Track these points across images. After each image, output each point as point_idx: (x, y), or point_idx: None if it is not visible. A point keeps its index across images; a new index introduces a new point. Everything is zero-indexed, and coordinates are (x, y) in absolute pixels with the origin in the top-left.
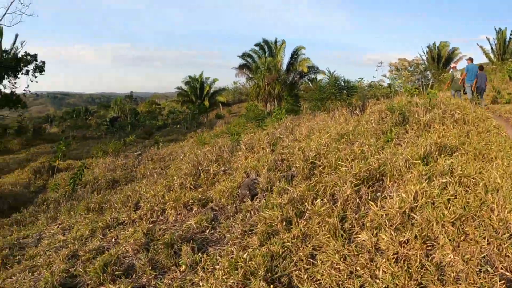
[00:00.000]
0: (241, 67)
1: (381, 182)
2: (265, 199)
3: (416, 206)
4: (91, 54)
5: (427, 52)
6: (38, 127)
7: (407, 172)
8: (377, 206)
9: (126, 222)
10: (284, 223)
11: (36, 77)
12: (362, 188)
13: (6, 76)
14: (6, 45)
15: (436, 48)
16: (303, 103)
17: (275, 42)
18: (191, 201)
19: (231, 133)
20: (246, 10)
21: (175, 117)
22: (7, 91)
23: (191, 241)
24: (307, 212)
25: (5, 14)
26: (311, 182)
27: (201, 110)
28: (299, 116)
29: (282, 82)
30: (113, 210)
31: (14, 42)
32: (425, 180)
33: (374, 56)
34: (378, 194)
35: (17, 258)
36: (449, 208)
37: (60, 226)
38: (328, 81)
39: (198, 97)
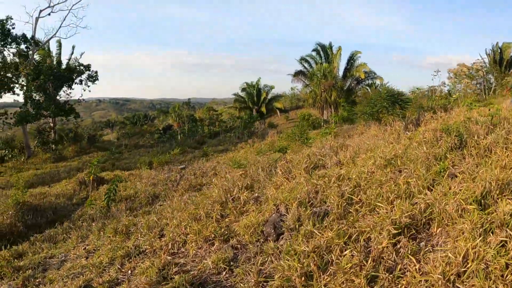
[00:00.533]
0: (297, 73)
1: (426, 228)
2: (289, 242)
3: (465, 272)
4: (153, 61)
5: (488, 54)
6: (93, 135)
7: (459, 219)
8: (418, 262)
9: (147, 251)
10: (303, 277)
11: (89, 86)
12: (402, 239)
13: (62, 87)
14: (64, 56)
15: (499, 50)
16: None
17: (331, 47)
18: (213, 235)
19: (274, 149)
20: (304, 16)
21: (228, 125)
22: (63, 100)
23: (203, 286)
24: (332, 266)
25: (60, 27)
26: (344, 224)
27: (253, 119)
28: (353, 126)
29: (338, 89)
30: (139, 235)
31: (72, 53)
32: (480, 235)
33: (435, 59)
34: (422, 244)
35: (37, 280)
36: (506, 276)
37: (86, 248)
38: (380, 94)
39: (255, 104)
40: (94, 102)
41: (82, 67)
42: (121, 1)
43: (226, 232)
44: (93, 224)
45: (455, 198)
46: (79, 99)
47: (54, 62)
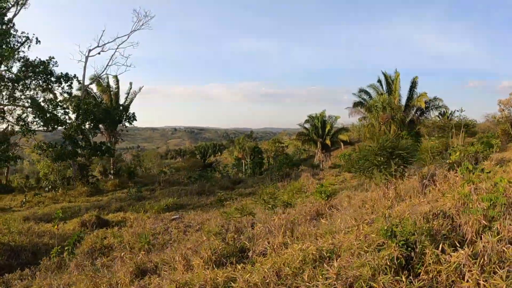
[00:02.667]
0: (355, 105)
1: None
2: None
3: None
4: (227, 91)
5: None
6: (132, 170)
7: None
8: None
9: None
10: None
11: (126, 126)
12: None
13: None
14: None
15: None
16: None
17: (395, 76)
18: None
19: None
20: (376, 44)
21: (293, 158)
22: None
23: None
24: None
25: (107, 66)
26: None
27: (289, 159)
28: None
29: (398, 121)
30: None
31: (130, 89)
32: None
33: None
34: None
35: None
36: None
37: None
38: (371, 147)
39: (319, 136)
40: (170, 130)
41: (122, 109)
42: (197, 38)
43: None
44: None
45: None
46: (119, 137)
47: (101, 98)
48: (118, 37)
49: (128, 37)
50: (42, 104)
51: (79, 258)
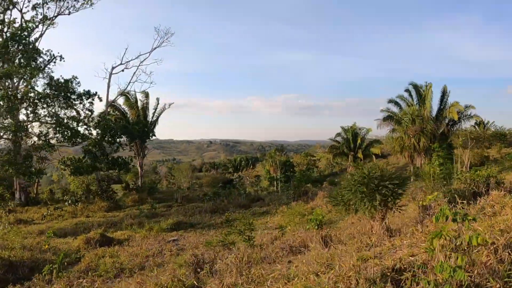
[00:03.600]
0: (385, 118)
1: None
2: None
3: None
4: (263, 104)
5: None
6: (152, 186)
7: None
8: None
9: None
10: None
11: (152, 139)
12: None
13: (116, 142)
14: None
15: None
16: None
17: (426, 87)
18: None
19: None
20: (419, 51)
21: (325, 172)
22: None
23: None
24: None
25: (129, 83)
26: None
27: (305, 177)
28: None
29: (428, 133)
30: None
31: (157, 104)
32: None
33: None
34: None
35: None
36: None
37: None
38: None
39: (351, 149)
40: (205, 143)
41: (142, 125)
42: (234, 51)
43: None
44: None
45: None
46: (134, 155)
47: (128, 114)
48: (140, 54)
49: (150, 54)
50: (65, 121)
51: (72, 277)
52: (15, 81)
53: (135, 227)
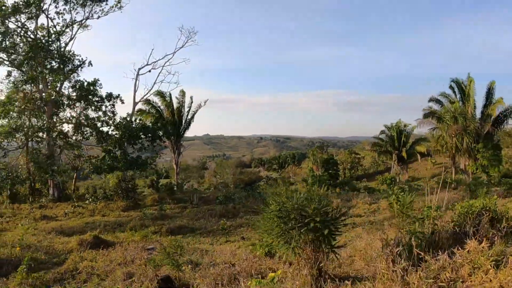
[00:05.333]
0: (426, 116)
1: None
2: None
3: None
4: (312, 100)
5: None
6: (171, 187)
7: None
8: None
9: None
10: None
11: (149, 145)
12: None
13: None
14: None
15: None
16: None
17: (468, 82)
18: None
19: None
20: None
21: (370, 170)
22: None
23: None
24: None
25: (154, 83)
26: None
27: (325, 177)
28: None
29: (472, 133)
30: None
31: (191, 103)
32: None
33: None
34: None
35: None
36: None
37: None
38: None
39: (395, 148)
40: (256, 139)
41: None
42: (282, 47)
43: None
44: None
45: None
46: (157, 153)
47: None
48: (166, 55)
49: (173, 55)
50: (85, 122)
51: (43, 278)
52: (40, 87)
53: (138, 229)
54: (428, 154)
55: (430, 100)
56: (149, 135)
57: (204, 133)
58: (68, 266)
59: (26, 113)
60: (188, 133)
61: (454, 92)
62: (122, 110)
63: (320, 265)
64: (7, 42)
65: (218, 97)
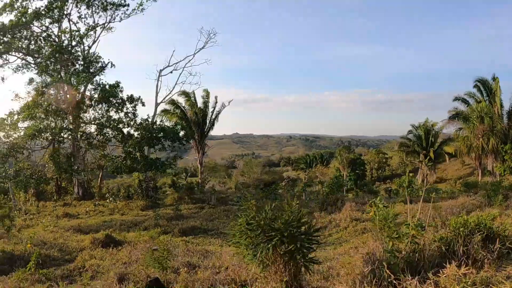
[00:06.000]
0: (451, 117)
1: None
2: None
3: None
4: (341, 99)
5: None
6: (190, 186)
7: None
8: None
9: None
10: None
11: (172, 147)
12: None
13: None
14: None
15: None
16: None
17: (494, 81)
18: None
19: None
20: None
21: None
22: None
23: None
24: None
25: (175, 84)
26: None
27: (340, 182)
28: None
29: (499, 133)
30: None
31: (216, 103)
32: None
33: None
34: None
35: None
36: None
37: None
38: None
39: (423, 148)
40: (285, 138)
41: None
42: (309, 46)
43: None
44: None
45: None
46: (176, 156)
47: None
48: (187, 56)
49: (194, 56)
50: (107, 123)
51: (50, 275)
52: (65, 89)
53: (151, 229)
54: (456, 154)
55: (455, 99)
56: (169, 136)
57: (233, 132)
58: (77, 264)
59: (50, 115)
60: (217, 132)
61: (480, 91)
62: (146, 111)
63: (297, 278)
64: (33, 46)
65: (248, 96)
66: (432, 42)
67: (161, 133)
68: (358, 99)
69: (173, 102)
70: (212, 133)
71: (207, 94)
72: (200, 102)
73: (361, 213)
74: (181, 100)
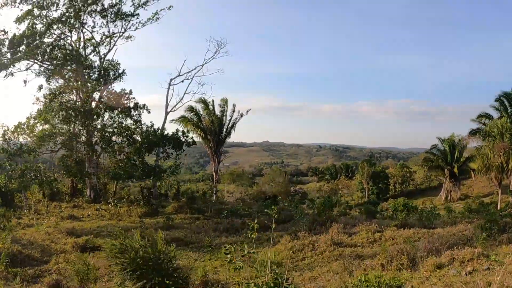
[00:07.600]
0: (473, 133)
1: None
2: None
3: None
4: (374, 109)
5: None
6: (192, 195)
7: None
8: None
9: None
10: None
11: (174, 153)
12: None
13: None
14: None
15: None
16: None
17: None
18: None
19: None
20: None
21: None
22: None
23: None
24: None
25: (184, 93)
26: None
27: (330, 203)
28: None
29: None
30: None
31: (233, 111)
32: None
33: None
34: None
35: None
36: None
37: None
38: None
39: (447, 163)
40: (315, 147)
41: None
42: (344, 55)
43: None
44: None
45: None
46: (176, 162)
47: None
48: (198, 66)
49: (202, 66)
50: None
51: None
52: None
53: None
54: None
55: (478, 117)
56: (171, 143)
57: (263, 140)
58: (50, 266)
59: (61, 120)
60: (248, 139)
61: (503, 105)
62: (158, 119)
63: None
64: (48, 51)
65: (280, 104)
66: (476, 52)
67: (163, 140)
68: (392, 109)
69: (191, 109)
70: (243, 140)
71: (225, 102)
72: (218, 111)
73: (347, 237)
74: (200, 107)
